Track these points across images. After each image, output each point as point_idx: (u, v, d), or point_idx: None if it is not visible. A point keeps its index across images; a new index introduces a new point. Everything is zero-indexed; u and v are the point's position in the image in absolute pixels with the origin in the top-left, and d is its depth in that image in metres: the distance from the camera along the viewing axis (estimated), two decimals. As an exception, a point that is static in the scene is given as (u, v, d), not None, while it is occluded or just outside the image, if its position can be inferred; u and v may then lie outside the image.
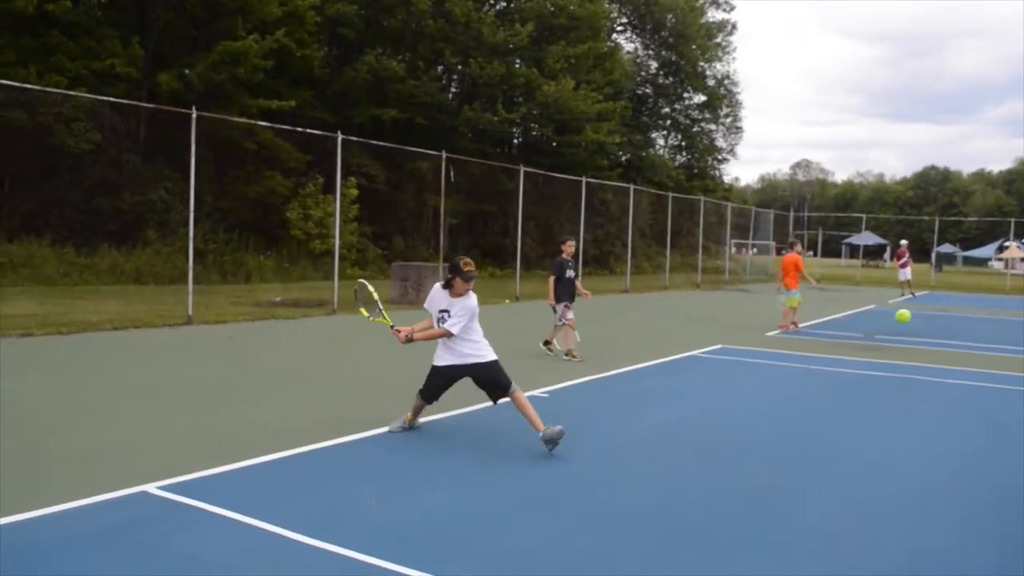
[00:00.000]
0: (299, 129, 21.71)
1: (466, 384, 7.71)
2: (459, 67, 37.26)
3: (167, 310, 15.95)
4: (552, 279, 13.02)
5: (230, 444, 6.96)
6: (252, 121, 23.07)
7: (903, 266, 33.83)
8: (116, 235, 23.70)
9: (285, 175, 28.47)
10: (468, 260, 7.57)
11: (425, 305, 7.73)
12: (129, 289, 20.59)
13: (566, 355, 12.69)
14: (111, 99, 18.88)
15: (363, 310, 8.08)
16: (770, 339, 16.45)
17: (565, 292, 12.93)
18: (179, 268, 21.07)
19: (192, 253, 15.73)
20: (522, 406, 7.42)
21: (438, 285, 7.65)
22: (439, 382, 7.70)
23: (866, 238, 69.22)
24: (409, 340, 7.51)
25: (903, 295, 33.11)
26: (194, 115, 15.16)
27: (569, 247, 13.21)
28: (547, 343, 13.24)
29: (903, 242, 35.95)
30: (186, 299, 15.27)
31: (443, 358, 7.62)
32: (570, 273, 13.08)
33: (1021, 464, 7.55)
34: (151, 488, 5.68)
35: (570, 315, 12.83)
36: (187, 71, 26.31)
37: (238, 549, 4.75)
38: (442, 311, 7.53)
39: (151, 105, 21.88)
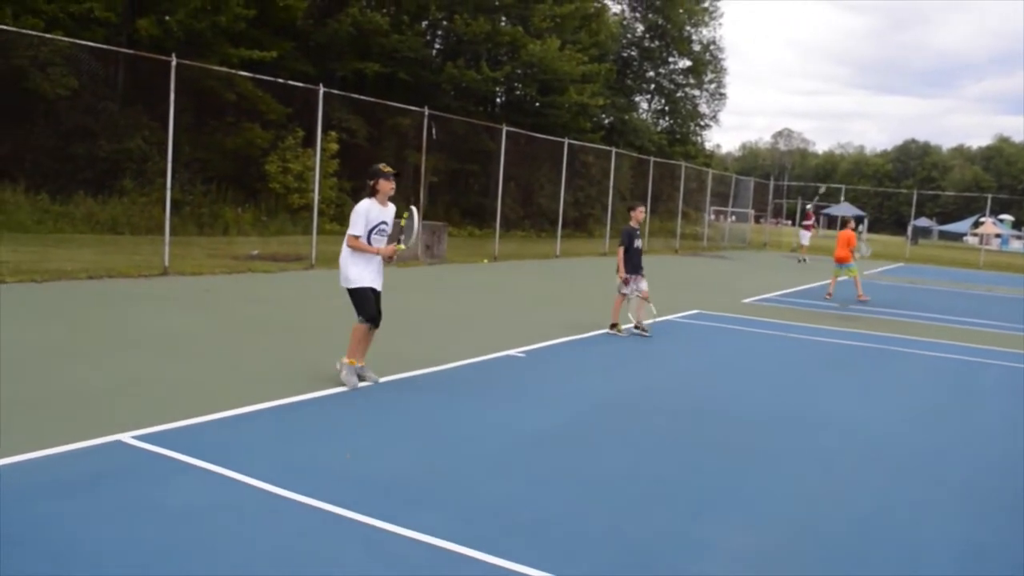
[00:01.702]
0: (280, 80, 21.44)
1: (446, 341, 7.71)
2: (444, 23, 36.83)
3: (143, 260, 15.81)
4: (620, 249, 12.02)
5: (205, 396, 6.95)
6: (233, 71, 22.74)
7: (807, 228, 36.11)
8: (92, 183, 23.36)
9: (265, 127, 28.13)
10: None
11: (356, 226, 7.60)
12: (105, 238, 20.38)
13: (635, 328, 11.94)
14: (89, 43, 18.54)
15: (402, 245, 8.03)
16: (747, 306, 16.56)
17: (632, 263, 11.98)
18: (156, 219, 20.85)
19: (169, 204, 15.56)
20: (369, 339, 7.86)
21: (365, 201, 7.68)
22: (373, 299, 7.81)
23: (844, 209, 69.50)
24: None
25: (799, 260, 34.58)
26: (174, 63, 14.92)
27: (639, 214, 12.27)
28: (636, 326, 12.04)
29: (809, 206, 37.44)
30: (163, 250, 15.15)
31: (367, 279, 7.74)
32: (638, 243, 12.17)
33: (987, 429, 7.69)
34: (125, 438, 5.67)
35: (644, 285, 11.94)
36: (167, 17, 25.83)
37: (212, 500, 4.77)
38: (381, 223, 7.74)
39: (130, 51, 21.53)
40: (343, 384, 7.57)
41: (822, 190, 76.22)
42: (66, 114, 23.79)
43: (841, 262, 19.40)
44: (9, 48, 21.36)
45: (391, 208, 7.84)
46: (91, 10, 23.92)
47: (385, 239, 7.82)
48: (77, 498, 4.65)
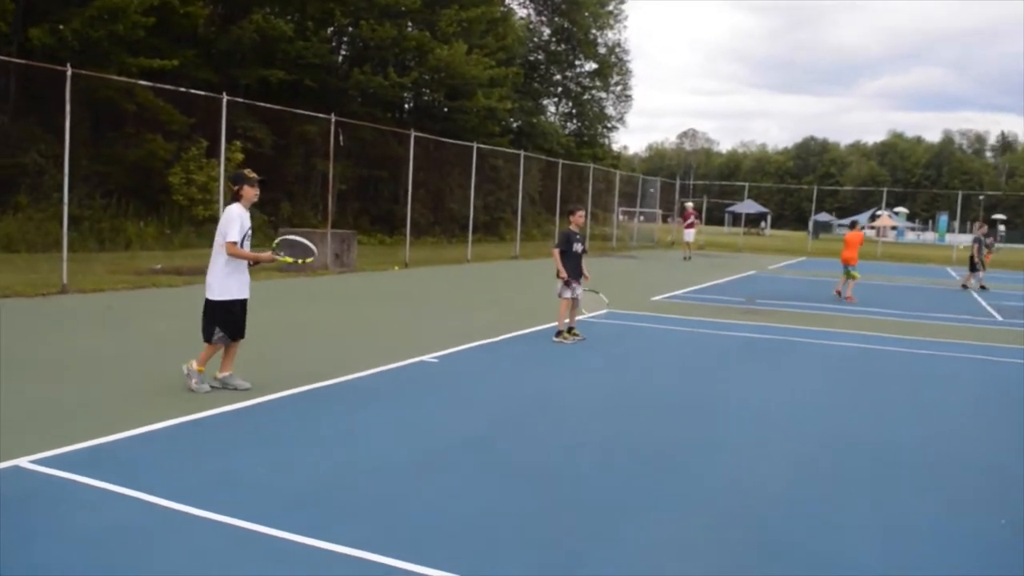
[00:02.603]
0: (182, 89, 20.96)
1: (358, 350, 7.65)
2: (350, 29, 36.52)
3: (40, 278, 15.28)
4: (556, 251, 11.76)
5: (108, 415, 6.76)
6: (132, 80, 22.16)
7: (689, 227, 36.23)
8: (-16, 199, 22.50)
9: (167, 138, 27.44)
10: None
11: (233, 232, 7.48)
12: (-1, 256, 19.65)
13: (556, 335, 11.64)
14: (-24, 54, 17.86)
15: (287, 257, 8.05)
16: (656, 303, 16.85)
17: (571, 268, 11.65)
18: (53, 235, 20.15)
19: (67, 219, 15.06)
20: (234, 350, 7.83)
21: (235, 206, 7.57)
22: (239, 315, 7.75)
23: (748, 206, 71.27)
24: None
25: (685, 256, 35.00)
26: (69, 73, 14.46)
27: (578, 218, 11.95)
28: (570, 331, 11.81)
29: (689, 204, 38.31)
30: (60, 267, 14.67)
31: (235, 290, 7.64)
32: (578, 247, 11.76)
33: (887, 411, 7.99)
34: (23, 462, 5.49)
35: (578, 291, 11.67)
36: (61, 26, 25.01)
37: (117, 522, 4.65)
38: (249, 229, 7.69)
39: (21, 61, 20.78)
40: (192, 390, 7.49)
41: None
42: (-46, 128, 22.87)
43: (847, 263, 19.62)
44: None
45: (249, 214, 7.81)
46: (-22, 19, 23.06)
47: (249, 245, 7.72)
48: (-26, 527, 4.48)
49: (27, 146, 23.87)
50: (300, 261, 8.01)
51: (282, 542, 4.47)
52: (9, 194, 22.98)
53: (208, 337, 7.64)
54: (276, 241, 8.08)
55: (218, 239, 7.57)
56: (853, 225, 21.69)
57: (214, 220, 20.93)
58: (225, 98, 18.06)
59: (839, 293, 19.86)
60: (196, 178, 26.89)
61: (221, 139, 18.34)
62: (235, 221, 7.45)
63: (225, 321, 7.60)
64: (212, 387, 7.64)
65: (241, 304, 7.72)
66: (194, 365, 7.60)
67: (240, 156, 26.89)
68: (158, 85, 21.57)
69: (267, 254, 7.78)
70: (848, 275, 19.72)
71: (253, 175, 7.70)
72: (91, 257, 20.19)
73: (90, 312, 12.54)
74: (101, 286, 15.10)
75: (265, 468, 5.67)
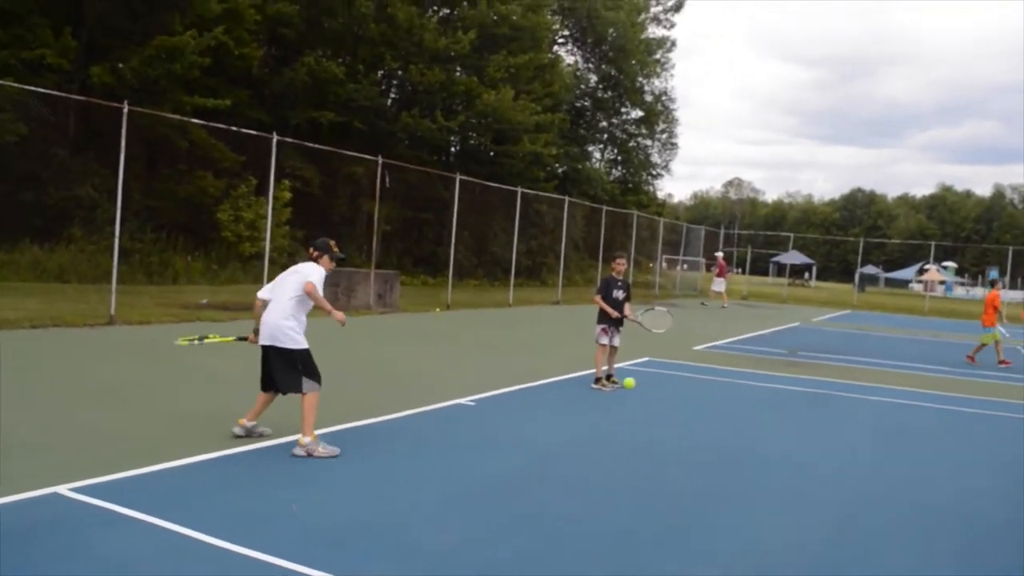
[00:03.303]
0: (234, 128, 21.42)
1: (396, 391, 7.66)
2: (399, 72, 37.10)
3: (89, 309, 15.58)
4: (598, 297, 11.86)
5: (148, 446, 6.85)
6: (186, 118, 22.70)
7: (719, 275, 36.65)
8: (39, 231, 23.03)
9: (217, 175, 28.00)
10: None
11: (316, 288, 7.22)
12: (51, 287, 20.06)
13: (595, 382, 11.65)
14: (39, 90, 18.43)
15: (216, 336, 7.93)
16: (697, 353, 16.73)
17: (609, 315, 11.70)
18: (103, 267, 20.55)
19: (117, 252, 15.41)
20: (270, 400, 7.55)
21: (317, 268, 7.48)
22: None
23: (793, 257, 70.68)
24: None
25: (721, 305, 35.38)
26: (126, 110, 14.88)
27: (619, 264, 11.96)
28: (608, 377, 11.80)
29: (719, 254, 38.65)
30: (109, 298, 14.96)
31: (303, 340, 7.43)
32: (619, 294, 11.78)
33: (928, 467, 7.83)
34: (63, 489, 5.58)
35: (616, 340, 11.74)
36: (121, 65, 25.76)
37: (152, 553, 4.70)
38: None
39: (81, 97, 21.40)
40: (325, 454, 6.96)
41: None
42: (14, 161, 23.52)
43: (988, 327, 18.54)
44: (-44, 94, 21.13)
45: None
46: (43, 57, 23.79)
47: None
48: (14, 550, 4.55)
49: (83, 180, 24.49)
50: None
51: (310, 579, 4.48)
52: (63, 226, 23.55)
53: (298, 387, 7.21)
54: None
55: (293, 289, 7.29)
56: (991, 285, 20.29)
57: (260, 257, 21.25)
58: (275, 138, 18.41)
59: (971, 359, 18.59)
60: (244, 215, 27.35)
61: (270, 178, 18.67)
62: (322, 275, 7.35)
63: (316, 368, 7.35)
64: (236, 434, 7.34)
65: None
66: (304, 440, 7.01)
67: (288, 195, 27.35)
68: (211, 124, 22.09)
69: (340, 314, 7.48)
70: (990, 338, 18.51)
71: (336, 250, 7.69)
72: (139, 289, 20.56)
73: (136, 344, 12.75)
74: (148, 318, 15.35)
75: (298, 505, 5.70)
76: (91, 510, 5.27)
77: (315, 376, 7.30)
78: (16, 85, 18.45)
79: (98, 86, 24.63)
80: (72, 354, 11.50)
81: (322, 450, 6.98)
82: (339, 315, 7.44)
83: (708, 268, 54.57)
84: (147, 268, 24.13)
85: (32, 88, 18.15)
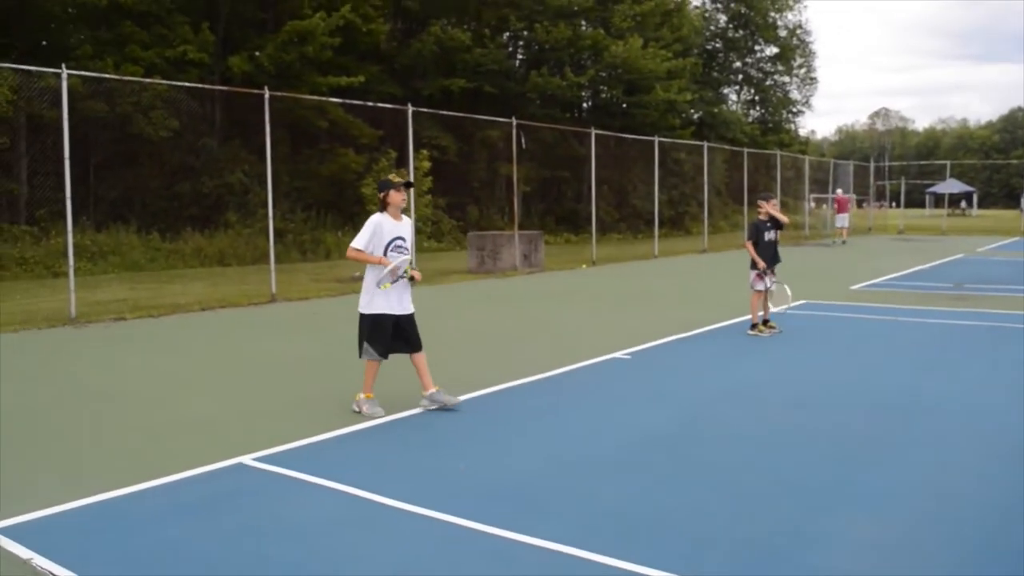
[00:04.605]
0: (369, 104, 21.84)
1: (550, 348, 7.63)
2: (525, 33, 36.97)
3: (252, 289, 16.28)
4: (749, 244, 11.42)
5: (320, 415, 7.07)
6: (323, 98, 23.28)
7: (840, 211, 36.26)
8: (198, 219, 24.26)
9: (358, 151, 28.68)
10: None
11: (368, 244, 6.99)
12: (214, 271, 21.09)
13: (751, 328, 11.31)
14: (186, 84, 19.25)
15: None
16: (856, 292, 16.09)
17: (765, 258, 11.27)
18: (260, 248, 21.45)
19: (272, 233, 15.99)
20: (420, 365, 7.24)
21: (377, 215, 7.08)
22: (389, 330, 7.12)
23: (951, 186, 66.96)
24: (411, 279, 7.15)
25: (842, 240, 34.96)
26: (267, 96, 15.34)
27: (768, 205, 11.43)
28: (765, 323, 11.42)
29: (839, 190, 38.00)
30: (269, 278, 15.56)
31: (381, 304, 7.03)
32: (770, 235, 11.39)
33: None
34: (247, 460, 5.82)
35: (771, 283, 11.30)
36: (257, 53, 26.65)
37: (334, 516, 4.85)
38: (398, 238, 7.14)
39: (225, 88, 22.25)
40: (370, 418, 6.96)
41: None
42: (169, 154, 24.77)
43: None
44: (114, 96, 22.32)
45: (407, 222, 7.37)
46: (185, 53, 24.87)
47: (403, 255, 7.09)
48: (204, 519, 4.78)
49: (233, 167, 25.60)
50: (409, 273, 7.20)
51: (482, 535, 4.53)
52: (219, 213, 24.71)
53: (360, 352, 7.16)
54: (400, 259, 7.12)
55: None
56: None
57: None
58: (410, 109, 18.64)
59: None
60: (387, 188, 27.87)
61: (409, 149, 18.94)
62: (368, 228, 6.99)
63: (371, 336, 7.07)
64: (423, 407, 7.20)
65: (396, 320, 7.09)
66: (360, 397, 7.15)
67: (427, 164, 27.69)
68: (347, 101, 22.62)
69: (396, 263, 7.01)
70: None
71: (398, 179, 7.28)
72: (295, 268, 21.36)
73: (298, 319, 13.24)
74: (306, 294, 15.92)
75: (466, 464, 5.77)
76: (275, 478, 5.49)
77: (360, 344, 7.14)
78: (165, 82, 19.34)
79: (238, 76, 25.58)
80: (241, 333, 12.03)
81: (365, 410, 7.02)
82: (388, 264, 6.97)
83: (860, 204, 52.48)
84: (300, 246, 25.07)
85: (179, 84, 18.97)
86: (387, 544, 4.45)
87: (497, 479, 5.48)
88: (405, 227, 7.28)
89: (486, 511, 4.84)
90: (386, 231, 7.07)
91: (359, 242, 7.00)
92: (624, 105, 39.50)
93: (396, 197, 7.11)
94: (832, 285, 17.32)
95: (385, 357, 7.16)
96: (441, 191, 29.45)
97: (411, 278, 7.13)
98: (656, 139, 27.96)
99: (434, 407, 7.16)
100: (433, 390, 7.19)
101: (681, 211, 41.26)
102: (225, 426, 6.84)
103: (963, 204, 74.32)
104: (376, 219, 7.07)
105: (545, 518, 4.77)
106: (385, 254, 7.05)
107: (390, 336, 7.09)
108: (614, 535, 4.54)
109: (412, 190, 7.07)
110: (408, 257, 7.15)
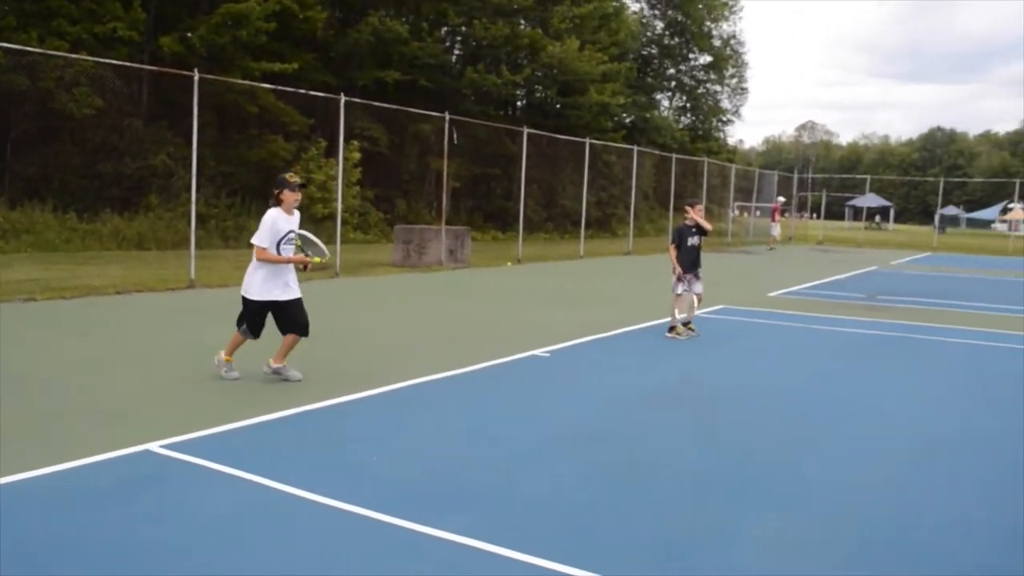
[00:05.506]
0: (302, 91, 21.61)
1: (470, 344, 7.71)
2: (463, 28, 36.94)
3: (170, 274, 15.99)
4: (672, 247, 11.64)
5: (231, 404, 7.02)
6: (255, 84, 22.95)
7: (775, 220, 38.62)
8: (118, 200, 23.67)
9: (287, 138, 28.36)
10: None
11: (266, 238, 7.64)
12: (132, 255, 20.63)
13: (670, 331, 11.50)
14: (113, 62, 18.81)
15: (316, 258, 8.00)
16: (772, 299, 16.48)
17: (687, 261, 11.54)
18: (181, 233, 21.08)
19: (195, 217, 15.72)
20: (290, 343, 7.85)
21: (273, 211, 7.68)
22: (261, 316, 7.86)
23: (870, 200, 68.83)
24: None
25: (769, 247, 36.99)
26: (196, 78, 15.08)
27: (694, 211, 11.68)
28: (686, 324, 11.61)
29: (780, 199, 40.80)
30: (188, 263, 15.31)
31: (266, 292, 7.70)
32: (693, 240, 11.59)
33: (1015, 420, 7.61)
34: (154, 446, 5.75)
35: (698, 287, 11.61)
36: (189, 34, 26.13)
37: (242, 505, 4.83)
38: (289, 231, 7.75)
39: (153, 68, 21.80)
40: (222, 378, 7.76)
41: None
42: (92, 133, 24.11)
43: None
44: (36, 70, 21.69)
45: (296, 217, 7.90)
46: (114, 30, 24.26)
47: (293, 248, 7.79)
48: (109, 506, 4.72)
49: (158, 149, 25.04)
50: (318, 260, 8.00)
51: (390, 527, 4.56)
52: (141, 195, 24.15)
53: (238, 325, 7.92)
54: (298, 241, 7.93)
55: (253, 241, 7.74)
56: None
57: (332, 218, 21.50)
58: (343, 99, 18.50)
59: None
60: (316, 177, 27.63)
61: (339, 139, 18.80)
62: (267, 226, 7.58)
63: (249, 318, 7.80)
64: (264, 373, 7.89)
65: (281, 304, 7.75)
66: (221, 356, 7.88)
67: (357, 155, 27.57)
68: (279, 88, 22.31)
69: (299, 256, 7.79)
70: None
71: (295, 179, 7.81)
72: (217, 254, 21.01)
73: (216, 306, 13.05)
74: (227, 281, 15.66)
75: (378, 457, 5.79)
76: (182, 465, 5.43)
77: (239, 322, 7.90)
78: (90, 59, 18.88)
79: (168, 56, 25.08)
80: (156, 318, 11.82)
81: (223, 372, 7.83)
82: (296, 258, 7.78)
83: (783, 214, 53.67)
84: (223, 232, 24.67)
85: (105, 60, 18.53)
86: (291, 533, 4.45)
87: (408, 472, 5.51)
88: (295, 221, 7.86)
89: (395, 503, 4.87)
90: (281, 226, 7.67)
91: (263, 240, 7.62)
92: (558, 105, 39.76)
93: (290, 197, 7.71)
94: (751, 291, 17.72)
95: (256, 337, 7.87)
96: (370, 183, 29.31)
97: (304, 267, 7.96)
98: (587, 141, 28.20)
99: (275, 377, 7.81)
100: (281, 365, 7.82)
101: (608, 213, 41.69)
102: (133, 412, 6.74)
103: (877, 218, 76.39)
104: (272, 215, 7.65)
105: (454, 512, 4.82)
106: (278, 248, 7.67)
107: (262, 323, 7.83)
108: (524, 531, 4.60)
109: (306, 191, 7.69)
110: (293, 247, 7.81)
